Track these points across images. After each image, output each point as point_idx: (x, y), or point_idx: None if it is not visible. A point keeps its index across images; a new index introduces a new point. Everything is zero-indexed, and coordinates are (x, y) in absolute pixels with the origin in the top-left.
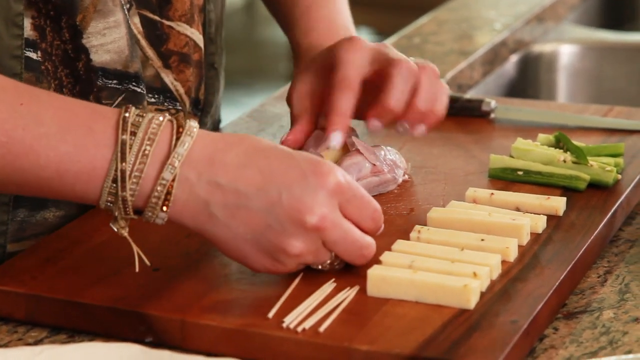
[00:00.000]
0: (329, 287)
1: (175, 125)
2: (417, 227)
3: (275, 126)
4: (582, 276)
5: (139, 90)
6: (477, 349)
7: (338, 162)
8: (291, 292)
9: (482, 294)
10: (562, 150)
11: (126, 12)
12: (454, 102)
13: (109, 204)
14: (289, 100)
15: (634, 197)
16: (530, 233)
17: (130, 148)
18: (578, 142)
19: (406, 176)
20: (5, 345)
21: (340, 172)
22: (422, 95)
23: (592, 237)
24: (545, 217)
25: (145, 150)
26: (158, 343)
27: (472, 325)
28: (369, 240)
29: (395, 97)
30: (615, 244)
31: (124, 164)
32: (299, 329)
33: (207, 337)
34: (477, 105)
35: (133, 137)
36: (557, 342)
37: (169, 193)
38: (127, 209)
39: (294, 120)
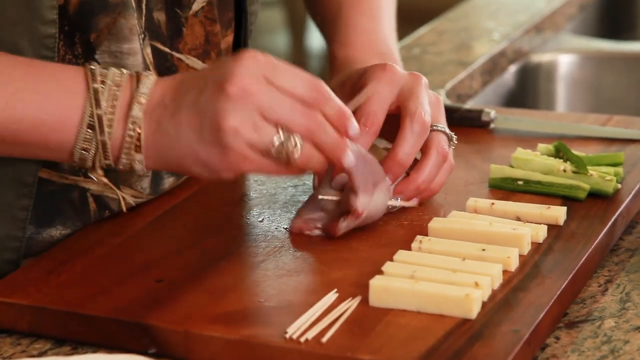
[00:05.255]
0: (331, 297)
1: (135, 74)
2: (419, 237)
3: None
4: (583, 285)
5: None
6: (479, 358)
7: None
8: (294, 302)
9: (484, 304)
10: (562, 160)
11: (141, 43)
12: (453, 112)
13: (83, 151)
14: None
15: (633, 206)
16: (531, 243)
17: (102, 95)
18: (577, 151)
19: None
20: (9, 358)
21: (260, 52)
22: (424, 171)
23: (592, 247)
24: (545, 227)
25: (115, 95)
26: (162, 354)
27: (474, 335)
28: (310, 95)
29: (405, 151)
30: (615, 253)
31: (99, 109)
32: (302, 339)
33: (211, 348)
34: (477, 115)
35: (103, 86)
36: (558, 351)
37: (139, 131)
38: (107, 153)
39: None
